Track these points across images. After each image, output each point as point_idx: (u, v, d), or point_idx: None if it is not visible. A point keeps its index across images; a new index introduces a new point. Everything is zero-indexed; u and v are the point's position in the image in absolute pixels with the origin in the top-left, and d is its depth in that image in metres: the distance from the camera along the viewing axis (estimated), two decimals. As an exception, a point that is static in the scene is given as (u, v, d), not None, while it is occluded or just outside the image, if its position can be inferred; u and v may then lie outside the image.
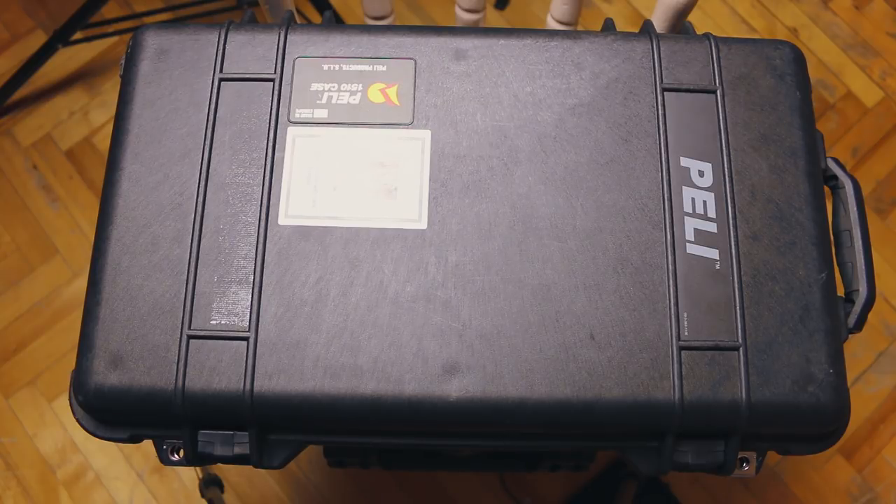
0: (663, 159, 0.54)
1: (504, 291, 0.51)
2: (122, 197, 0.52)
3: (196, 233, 0.51)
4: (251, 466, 0.51)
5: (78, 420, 0.52)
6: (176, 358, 0.49)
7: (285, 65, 0.56)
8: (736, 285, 0.51)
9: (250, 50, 0.56)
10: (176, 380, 0.48)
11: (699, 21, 1.28)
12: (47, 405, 1.09)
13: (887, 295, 1.16)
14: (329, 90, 0.55)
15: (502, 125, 0.55)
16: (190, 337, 0.49)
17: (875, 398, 1.11)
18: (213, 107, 0.54)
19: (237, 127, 0.54)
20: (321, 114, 0.55)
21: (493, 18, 1.29)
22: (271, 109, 0.55)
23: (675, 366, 0.49)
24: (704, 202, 0.53)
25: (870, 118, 1.25)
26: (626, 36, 0.57)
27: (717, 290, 0.51)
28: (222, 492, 0.96)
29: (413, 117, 0.55)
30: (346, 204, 0.53)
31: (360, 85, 0.56)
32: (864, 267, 0.53)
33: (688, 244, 0.52)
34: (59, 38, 1.11)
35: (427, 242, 0.52)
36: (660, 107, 0.55)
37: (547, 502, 1.06)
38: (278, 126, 0.54)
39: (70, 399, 0.52)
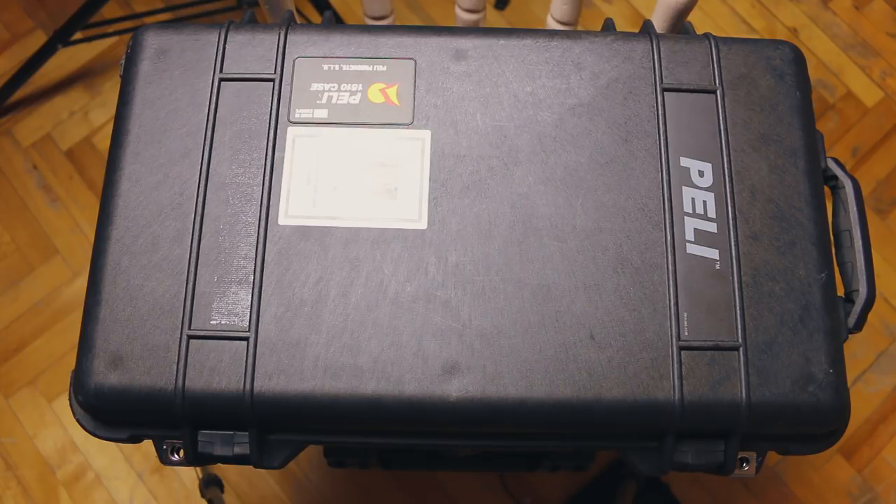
0: (663, 159, 0.54)
1: (504, 291, 0.51)
2: (122, 197, 0.52)
3: (196, 233, 0.51)
4: (251, 466, 0.51)
5: (78, 420, 0.52)
6: (176, 358, 0.49)
7: (285, 65, 0.56)
8: (736, 285, 0.51)
9: (250, 50, 0.56)
10: (176, 380, 0.48)
11: (699, 21, 1.28)
12: (47, 405, 1.09)
13: (887, 295, 1.16)
14: (329, 90, 0.55)
15: (502, 125, 0.55)
16: (190, 337, 0.49)
17: (875, 398, 1.11)
18: (213, 107, 0.54)
19: (237, 127, 0.54)
20: (321, 114, 0.55)
21: (493, 18, 1.29)
22: (271, 109, 0.55)
23: (675, 366, 0.49)
24: (704, 202, 0.53)
25: (870, 118, 1.25)
26: (626, 36, 0.57)
27: (717, 290, 0.51)
28: (222, 492, 0.96)
29: (413, 117, 0.55)
30: (346, 204, 0.53)
31: (360, 85, 0.56)
32: (864, 267, 0.53)
33: (688, 244, 0.52)
34: (59, 38, 1.11)
35: (427, 242, 0.52)
36: (660, 107, 0.55)
37: (547, 502, 1.06)
38: (278, 126, 0.54)
39: (70, 399, 0.52)
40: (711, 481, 1.07)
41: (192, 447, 0.50)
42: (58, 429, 1.08)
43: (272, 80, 0.55)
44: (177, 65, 0.55)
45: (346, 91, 0.55)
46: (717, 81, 0.56)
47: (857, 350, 1.13)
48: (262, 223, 0.52)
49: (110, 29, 1.18)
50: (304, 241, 0.52)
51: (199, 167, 0.53)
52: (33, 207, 1.18)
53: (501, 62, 0.56)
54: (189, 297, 0.50)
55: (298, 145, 0.54)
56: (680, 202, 0.53)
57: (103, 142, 1.21)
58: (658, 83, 0.56)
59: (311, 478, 1.07)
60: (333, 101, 0.55)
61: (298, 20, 0.65)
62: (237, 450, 0.50)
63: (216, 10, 1.16)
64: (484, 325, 0.50)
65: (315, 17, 1.23)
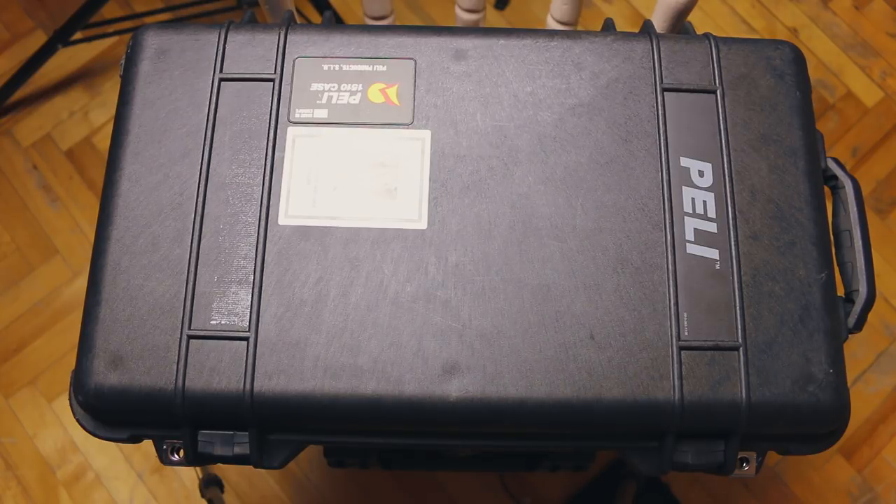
0: (663, 159, 0.54)
1: (504, 291, 0.51)
2: (122, 197, 0.52)
3: (196, 233, 0.51)
4: (251, 466, 0.51)
5: (78, 420, 0.52)
6: (176, 358, 0.49)
7: (285, 65, 0.56)
8: (736, 285, 0.51)
9: (250, 50, 0.56)
10: (176, 380, 0.48)
11: (699, 21, 1.28)
12: (47, 405, 1.09)
13: (887, 295, 1.16)
14: (329, 90, 0.55)
15: (502, 125, 0.55)
16: (190, 337, 0.49)
17: (875, 398, 1.11)
18: (213, 107, 0.54)
19: (237, 127, 0.54)
20: (321, 114, 0.55)
21: (493, 18, 1.29)
22: (271, 109, 0.55)
23: (675, 366, 0.49)
24: (704, 202, 0.53)
25: (870, 118, 1.25)
26: (626, 36, 0.57)
27: (717, 290, 0.51)
28: (222, 492, 0.96)
29: (413, 117, 0.55)
30: (346, 204, 0.53)
31: (360, 85, 0.56)
32: (864, 267, 0.53)
33: (688, 244, 0.52)
34: (59, 38, 1.11)
35: (427, 242, 0.52)
36: (660, 107, 0.55)
37: (547, 502, 1.06)
38: (278, 126, 0.54)
39: (70, 399, 0.52)
40: (711, 481, 1.07)
41: (192, 447, 0.50)
42: (58, 429, 1.08)
43: (272, 80, 0.55)
44: (177, 65, 0.55)
45: (346, 91, 0.55)
46: (717, 81, 0.56)
47: (857, 350, 1.13)
48: (262, 223, 0.52)
49: (110, 29, 1.18)
50: (304, 241, 0.52)
51: (199, 167, 0.53)
52: (33, 207, 1.18)
53: (501, 62, 0.56)
54: (189, 297, 0.50)
55: (298, 145, 0.54)
56: (680, 202, 0.53)
57: (103, 142, 1.21)
58: (658, 83, 0.56)
59: (311, 478, 1.07)
60: (333, 101, 0.55)
61: (298, 20, 0.65)
62: (237, 450, 0.50)
63: (216, 10, 1.16)
64: (484, 325, 0.50)
65: (315, 17, 1.23)
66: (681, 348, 0.49)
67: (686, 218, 0.53)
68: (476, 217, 0.52)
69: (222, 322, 0.50)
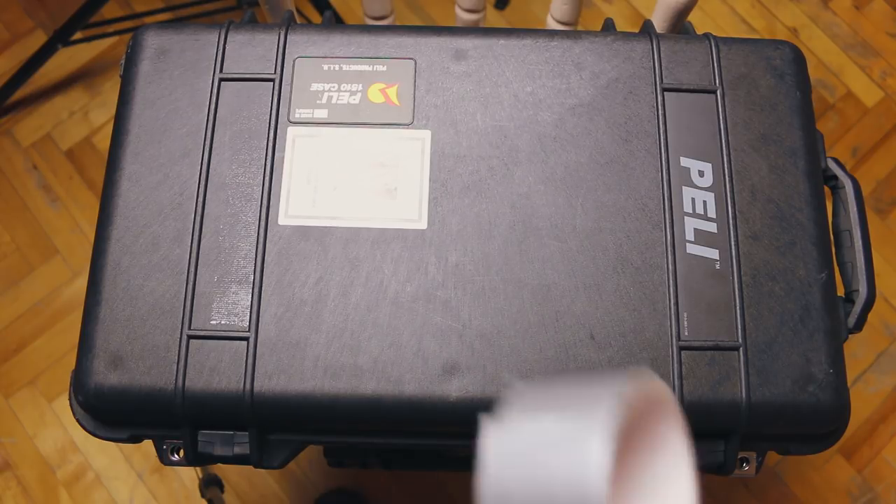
0: (663, 159, 0.54)
1: (504, 291, 0.51)
2: (122, 197, 0.52)
3: (196, 233, 0.51)
4: (251, 466, 0.51)
5: (78, 420, 0.52)
6: (176, 358, 0.49)
7: (285, 65, 0.56)
8: (736, 285, 0.51)
9: (250, 50, 0.56)
10: (176, 380, 0.48)
11: (699, 21, 1.28)
12: (47, 405, 1.09)
13: (887, 295, 1.16)
14: (329, 90, 0.55)
15: (502, 125, 0.55)
16: (190, 337, 0.49)
17: (875, 398, 1.11)
18: (213, 107, 0.54)
19: (237, 127, 0.54)
20: (321, 114, 0.55)
21: (493, 18, 1.29)
22: (271, 109, 0.55)
23: (675, 366, 0.49)
24: (704, 202, 0.53)
25: (870, 118, 1.25)
26: (626, 36, 0.57)
27: (717, 290, 0.51)
28: (222, 492, 0.96)
29: (413, 117, 0.55)
30: (346, 204, 0.53)
31: (360, 85, 0.56)
32: (864, 267, 0.53)
33: (688, 244, 0.52)
34: (59, 38, 1.11)
35: (427, 242, 0.52)
36: (660, 107, 0.55)
37: (547, 502, 1.06)
38: (278, 126, 0.54)
39: (70, 399, 0.52)
40: (711, 481, 1.07)
41: (192, 447, 0.50)
42: (58, 429, 1.08)
43: (272, 80, 0.55)
44: (177, 65, 0.55)
45: (346, 91, 0.55)
46: (717, 81, 0.56)
47: (857, 350, 1.13)
48: (262, 223, 0.52)
49: (110, 29, 1.18)
50: (304, 241, 0.52)
51: (199, 167, 0.53)
52: (33, 207, 1.18)
53: (501, 62, 0.56)
54: (189, 297, 0.50)
55: (298, 145, 0.54)
56: (680, 202, 0.53)
57: (103, 142, 1.21)
58: (658, 83, 0.56)
59: (311, 478, 1.07)
60: (333, 101, 0.55)
61: (298, 20, 0.65)
62: (237, 450, 0.50)
63: (216, 10, 1.16)
64: (484, 325, 0.50)
65: (315, 17, 1.23)
66: (681, 348, 0.49)
67: (686, 218, 0.53)
68: (476, 217, 0.52)
69: (222, 322, 0.50)
